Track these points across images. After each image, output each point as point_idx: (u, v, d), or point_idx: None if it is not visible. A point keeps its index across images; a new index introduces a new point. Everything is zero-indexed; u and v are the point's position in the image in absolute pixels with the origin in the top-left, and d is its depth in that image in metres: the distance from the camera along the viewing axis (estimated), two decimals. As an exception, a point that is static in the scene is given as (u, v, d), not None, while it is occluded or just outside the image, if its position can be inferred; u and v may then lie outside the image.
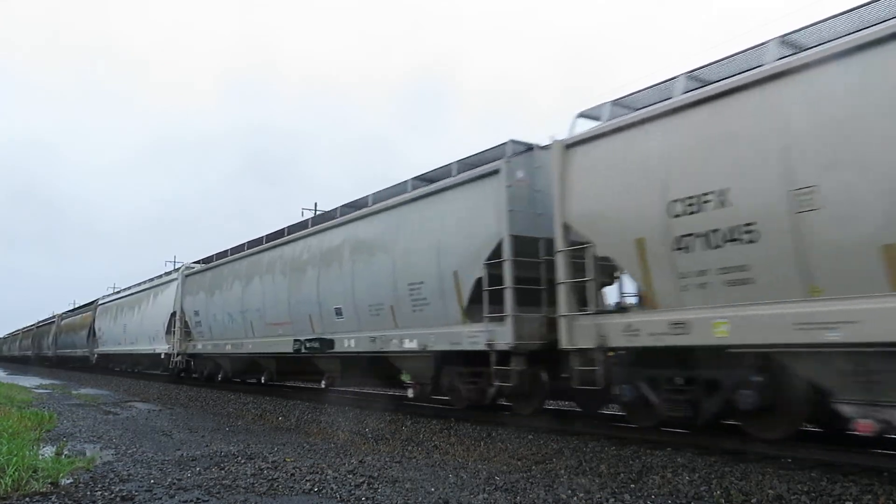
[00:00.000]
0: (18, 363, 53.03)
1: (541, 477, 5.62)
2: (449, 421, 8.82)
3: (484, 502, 4.75)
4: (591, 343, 6.69)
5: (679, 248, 5.89)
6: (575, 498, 4.81)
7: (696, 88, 6.26)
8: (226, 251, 16.54)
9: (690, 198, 5.80)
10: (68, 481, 5.42)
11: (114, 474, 5.74)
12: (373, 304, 9.92)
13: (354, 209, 11.28)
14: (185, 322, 17.52)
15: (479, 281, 8.11)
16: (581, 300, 7.08)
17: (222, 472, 5.90)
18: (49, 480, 5.33)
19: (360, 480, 5.44)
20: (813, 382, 5.34)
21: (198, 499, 4.87)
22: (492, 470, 5.93)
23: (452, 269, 8.51)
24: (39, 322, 49.64)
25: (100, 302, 28.77)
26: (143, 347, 21.18)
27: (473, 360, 8.39)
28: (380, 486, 5.26)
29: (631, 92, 7.12)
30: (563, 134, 7.35)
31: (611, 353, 6.64)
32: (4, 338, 75.03)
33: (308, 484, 5.33)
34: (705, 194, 5.70)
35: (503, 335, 7.65)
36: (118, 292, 27.14)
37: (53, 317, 42.11)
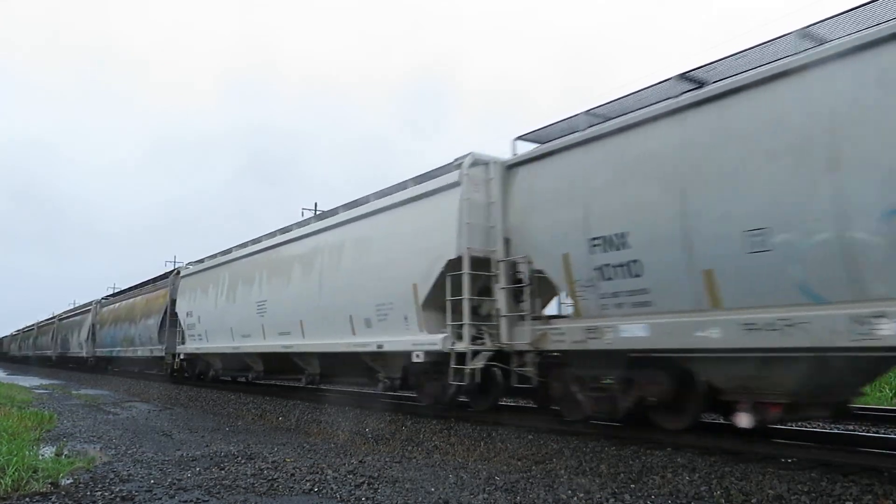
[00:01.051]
0: (31, 365, 42.84)
1: (541, 477, 5.62)
2: (449, 421, 8.81)
3: (484, 502, 4.75)
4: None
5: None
6: (575, 498, 4.81)
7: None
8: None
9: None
10: (68, 481, 5.42)
11: (114, 474, 5.74)
12: None
13: None
14: (568, 269, 6.93)
15: None
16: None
17: (222, 472, 5.91)
18: (49, 480, 5.33)
19: (360, 480, 5.44)
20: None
21: (198, 499, 4.87)
22: (492, 470, 5.93)
23: None
24: (65, 313, 38.23)
25: (184, 272, 17.68)
26: (355, 340, 9.77)
27: None
28: (380, 486, 5.27)
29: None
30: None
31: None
32: (13, 335, 62.53)
33: (308, 484, 5.34)
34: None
35: None
36: (226, 252, 15.10)
37: (89, 304, 30.92)
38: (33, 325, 49.55)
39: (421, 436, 8.09)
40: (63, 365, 35.23)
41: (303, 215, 30.46)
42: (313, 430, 9.21)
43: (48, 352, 38.78)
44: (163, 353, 18.59)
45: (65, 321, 35.90)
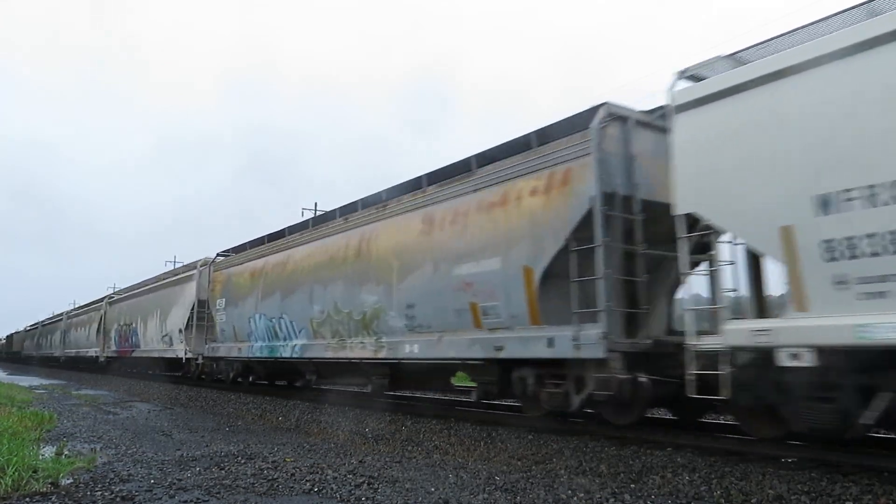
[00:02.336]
0: (61, 369, 32.50)
1: (541, 477, 5.62)
2: (449, 421, 8.82)
3: (484, 502, 4.75)
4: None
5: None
6: (575, 498, 4.81)
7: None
8: None
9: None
10: (68, 481, 5.42)
11: (114, 474, 5.74)
12: None
13: None
14: None
15: None
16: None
17: (222, 472, 5.91)
18: (49, 480, 5.33)
19: (360, 480, 5.44)
20: None
21: (198, 499, 4.87)
22: (492, 470, 5.93)
23: None
24: (127, 290, 24.09)
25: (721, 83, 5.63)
26: None
27: None
28: (380, 486, 5.27)
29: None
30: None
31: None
32: (28, 330, 49.66)
33: (308, 484, 5.33)
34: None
35: None
36: None
37: (188, 266, 18.05)
38: (60, 314, 37.58)
39: (421, 436, 8.09)
40: (121, 371, 23.24)
41: (303, 215, 29.34)
42: (313, 430, 9.21)
43: (90, 351, 26.83)
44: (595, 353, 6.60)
45: (124, 303, 22.79)
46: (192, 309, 16.28)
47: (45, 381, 24.14)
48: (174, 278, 18.57)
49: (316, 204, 33.38)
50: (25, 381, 23.89)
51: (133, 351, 20.84)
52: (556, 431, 7.54)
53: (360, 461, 6.46)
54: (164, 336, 18.22)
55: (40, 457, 6.34)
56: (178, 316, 17.16)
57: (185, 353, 16.56)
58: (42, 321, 44.03)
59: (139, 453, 7.07)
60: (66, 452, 6.87)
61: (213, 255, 16.02)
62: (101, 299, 27.13)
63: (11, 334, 61.88)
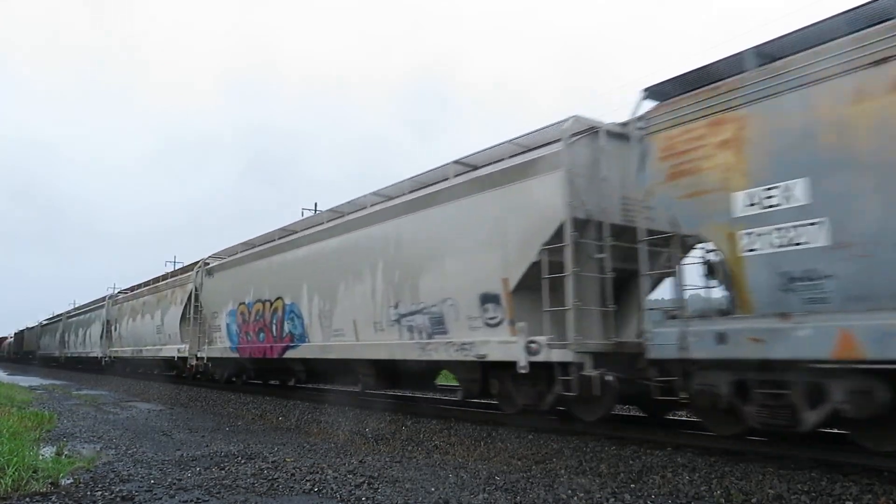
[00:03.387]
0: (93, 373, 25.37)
1: (541, 477, 5.62)
2: (449, 421, 8.82)
3: (484, 502, 4.75)
4: None
5: None
6: (575, 498, 4.81)
7: None
8: None
9: None
10: (68, 481, 5.42)
11: (114, 474, 5.74)
12: None
13: None
14: None
15: None
16: None
17: (222, 472, 5.91)
18: (49, 480, 5.33)
19: (361, 480, 5.45)
20: None
21: (198, 499, 4.87)
22: (492, 470, 5.93)
23: None
24: (216, 257, 16.22)
25: None
26: None
27: None
28: (380, 485, 5.27)
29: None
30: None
31: None
32: (45, 325, 40.29)
33: (308, 484, 5.34)
34: None
35: None
36: None
37: (564, 122, 6.97)
38: (98, 299, 27.70)
39: (421, 436, 8.10)
40: (260, 386, 15.62)
41: (303, 215, 28.45)
42: (313, 430, 9.21)
43: (164, 349, 18.91)
44: None
45: (248, 266, 13.91)
46: (559, 233, 6.94)
47: (45, 382, 24.14)
48: (442, 187, 8.71)
49: (316, 204, 33.34)
50: (25, 381, 23.90)
51: (288, 348, 12.06)
52: (557, 431, 7.54)
53: (361, 461, 6.46)
54: (405, 316, 9.00)
55: (40, 457, 6.34)
56: (489, 269, 7.72)
57: (550, 353, 6.90)
58: (67, 312, 34.19)
59: (139, 453, 7.08)
60: (66, 452, 6.87)
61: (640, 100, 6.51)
62: (187, 268, 18.12)
63: (22, 331, 51.98)
